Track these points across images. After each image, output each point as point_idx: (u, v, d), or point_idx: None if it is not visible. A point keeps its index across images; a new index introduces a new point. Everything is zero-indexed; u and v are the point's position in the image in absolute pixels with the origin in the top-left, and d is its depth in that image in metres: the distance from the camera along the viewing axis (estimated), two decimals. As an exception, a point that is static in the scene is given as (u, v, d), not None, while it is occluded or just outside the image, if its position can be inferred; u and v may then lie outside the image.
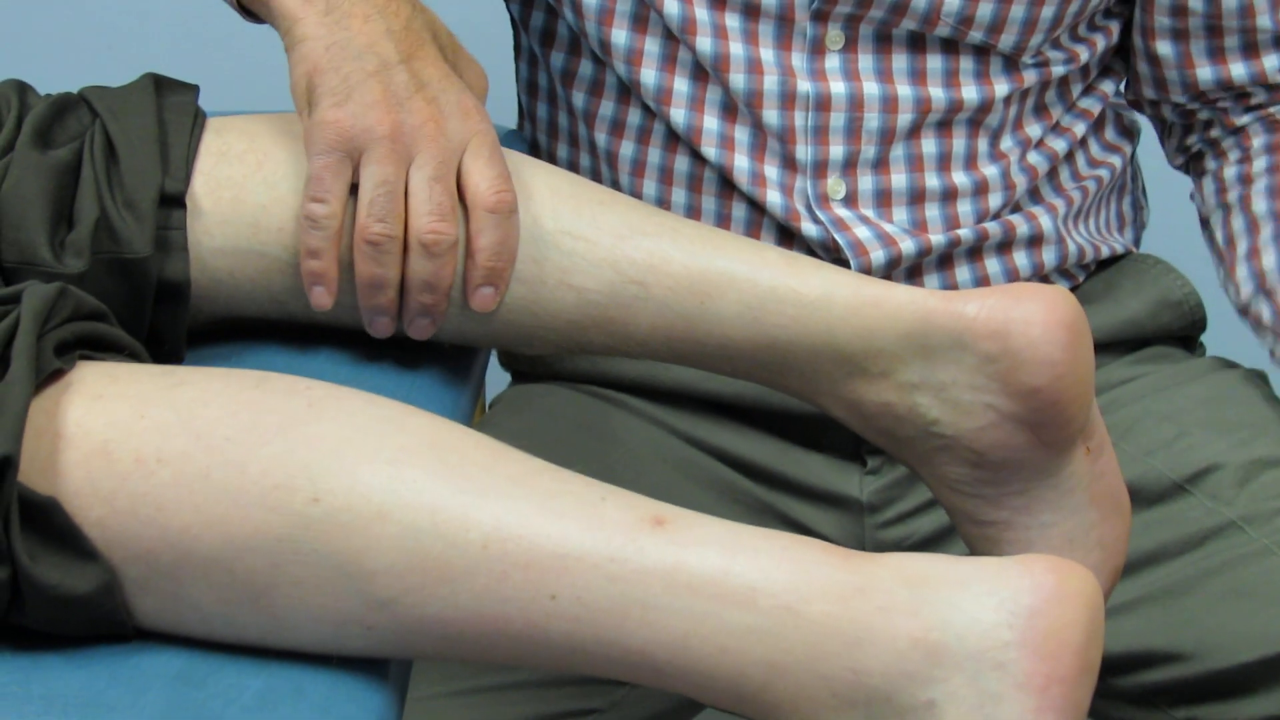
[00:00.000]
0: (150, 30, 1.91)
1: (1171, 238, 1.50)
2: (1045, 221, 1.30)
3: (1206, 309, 1.36)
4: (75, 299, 0.91)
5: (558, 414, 1.33)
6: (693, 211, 1.28)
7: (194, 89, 1.07)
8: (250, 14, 1.08)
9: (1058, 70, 1.29)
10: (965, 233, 1.27)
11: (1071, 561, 0.86)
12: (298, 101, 1.02)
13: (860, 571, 0.86)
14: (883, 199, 1.27)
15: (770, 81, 1.24)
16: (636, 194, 1.29)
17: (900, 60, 1.25)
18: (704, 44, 1.24)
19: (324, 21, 1.01)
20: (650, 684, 0.87)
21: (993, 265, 1.29)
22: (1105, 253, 1.34)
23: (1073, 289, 1.33)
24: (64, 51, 1.92)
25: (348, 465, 0.85)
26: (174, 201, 1.01)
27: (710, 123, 1.26)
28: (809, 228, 1.26)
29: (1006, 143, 1.29)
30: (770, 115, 1.25)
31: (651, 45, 1.26)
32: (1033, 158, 1.30)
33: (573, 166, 1.33)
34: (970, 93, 1.26)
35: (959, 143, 1.27)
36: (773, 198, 1.26)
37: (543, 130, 1.35)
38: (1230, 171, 1.33)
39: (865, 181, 1.26)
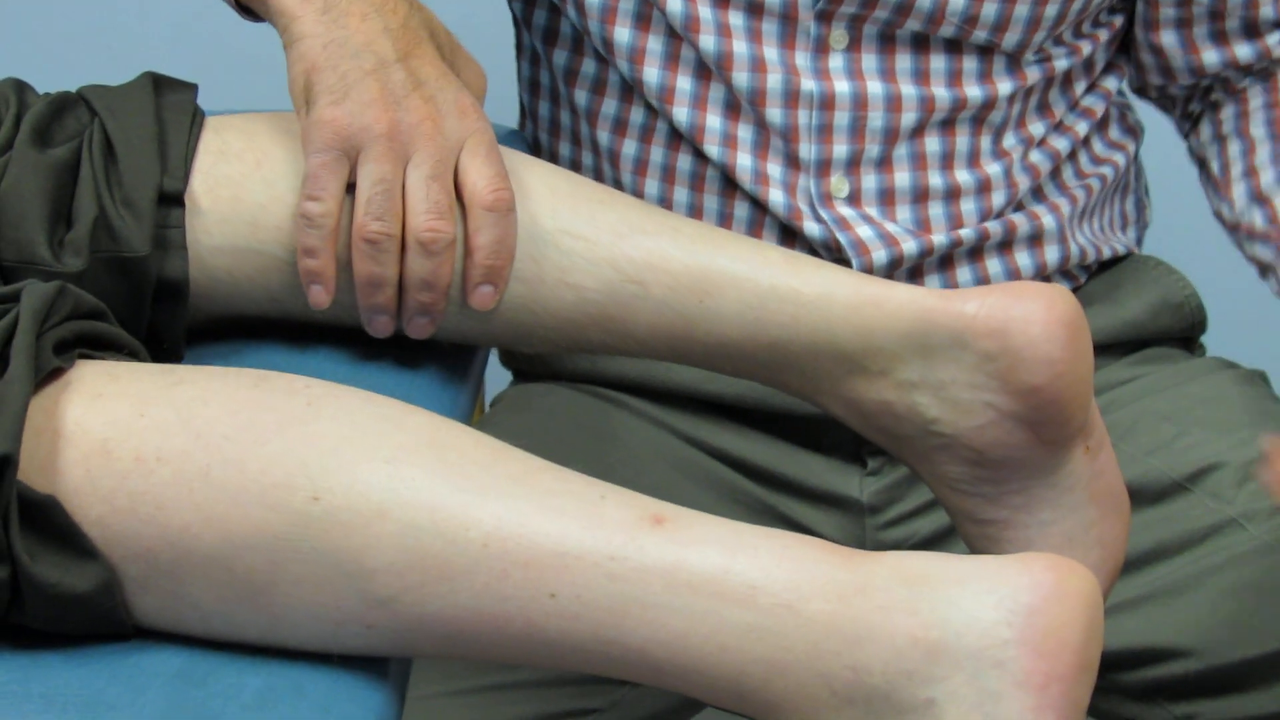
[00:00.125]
0: (149, 29, 1.91)
1: (1173, 238, 1.50)
2: (1048, 220, 1.30)
3: (1207, 310, 1.37)
4: (74, 298, 0.91)
5: (558, 413, 1.33)
6: (695, 210, 1.28)
7: (192, 88, 1.07)
8: (248, 12, 1.08)
9: (1061, 65, 1.29)
10: (967, 233, 1.27)
11: (1070, 560, 0.86)
12: (295, 100, 1.02)
13: (860, 570, 0.86)
14: (886, 197, 1.27)
15: (774, 80, 1.24)
16: (639, 193, 1.29)
17: (904, 60, 1.25)
18: (707, 42, 1.24)
19: (321, 19, 1.01)
20: (650, 682, 0.87)
21: (994, 265, 1.29)
22: (1107, 253, 1.34)
23: (1074, 290, 1.33)
24: (63, 50, 1.92)
25: (347, 464, 0.85)
26: (173, 200, 1.01)
27: (713, 121, 1.26)
28: (811, 227, 1.26)
29: (1009, 140, 1.29)
30: (774, 114, 1.25)
31: (654, 43, 1.26)
32: (1035, 156, 1.30)
33: (574, 165, 1.33)
34: (974, 91, 1.26)
35: (962, 140, 1.27)
36: (775, 197, 1.26)
37: (544, 129, 1.35)
38: (1227, 111, 1.34)
39: (869, 180, 1.26)
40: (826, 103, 1.24)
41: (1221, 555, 1.23)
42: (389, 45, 1.02)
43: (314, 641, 0.86)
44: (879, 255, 1.25)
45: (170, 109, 1.05)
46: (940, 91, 1.25)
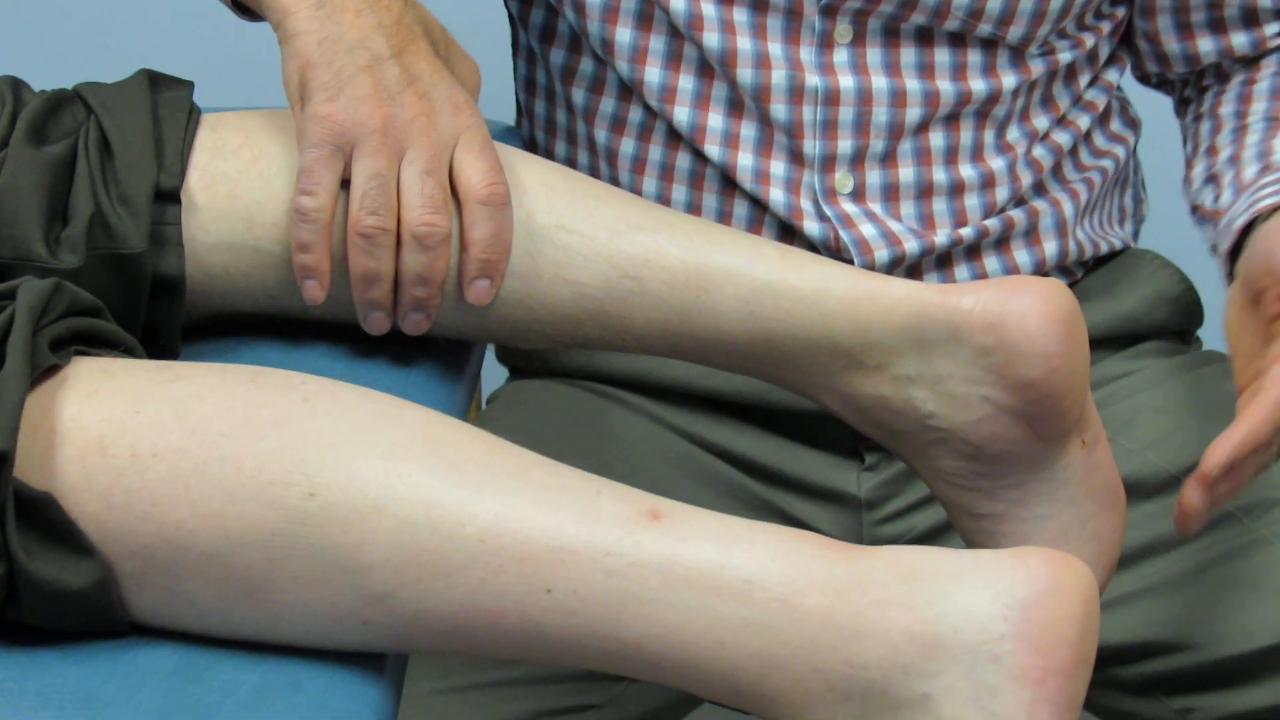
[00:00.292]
0: (145, 26, 1.91)
1: (1169, 232, 1.50)
2: (1048, 217, 1.30)
3: (1203, 303, 1.37)
4: (70, 294, 0.91)
5: (555, 409, 1.33)
6: (693, 209, 1.28)
7: (189, 85, 1.07)
8: (244, 10, 1.08)
9: (1064, 58, 1.29)
10: (968, 231, 1.27)
11: (1067, 554, 0.87)
12: (290, 95, 1.02)
13: (856, 565, 0.86)
14: (890, 193, 1.27)
15: (778, 76, 1.24)
16: (636, 191, 1.29)
17: (908, 54, 1.25)
18: (711, 39, 1.24)
19: (316, 15, 1.01)
20: (646, 677, 0.88)
21: (992, 263, 1.29)
22: (1105, 249, 1.34)
23: (1071, 285, 1.33)
24: (59, 48, 1.92)
25: (343, 460, 0.85)
26: (169, 197, 1.01)
27: (715, 120, 1.26)
28: (811, 226, 1.26)
29: (1013, 134, 1.29)
30: (778, 110, 1.25)
31: (656, 43, 1.26)
32: (1038, 151, 1.30)
33: (571, 164, 1.33)
34: (978, 85, 1.26)
35: (966, 135, 1.27)
36: (776, 196, 1.26)
37: (540, 127, 1.35)
38: (1210, 94, 1.34)
39: (873, 176, 1.26)
40: (831, 98, 1.24)
41: (1221, 548, 1.23)
42: (383, 41, 1.02)
43: (310, 638, 0.86)
44: (881, 254, 1.25)
45: (166, 106, 1.05)
46: (945, 85, 1.25)
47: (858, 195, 1.26)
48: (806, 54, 1.24)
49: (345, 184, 1.01)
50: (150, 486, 0.85)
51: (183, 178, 1.02)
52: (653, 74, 1.26)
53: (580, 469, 0.89)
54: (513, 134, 1.39)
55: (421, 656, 1.18)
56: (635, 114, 1.28)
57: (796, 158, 1.26)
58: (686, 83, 1.26)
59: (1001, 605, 0.84)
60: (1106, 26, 1.31)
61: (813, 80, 1.24)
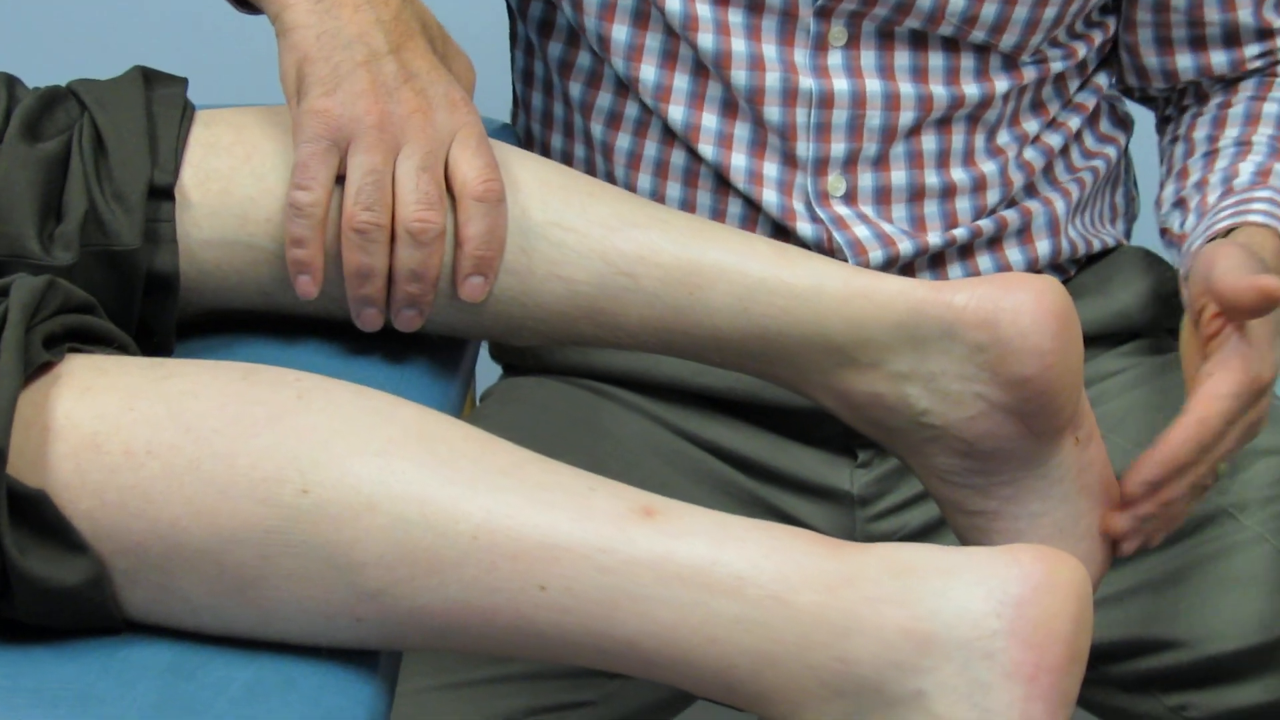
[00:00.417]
0: (139, 23, 1.91)
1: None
2: (1040, 216, 1.30)
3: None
4: (64, 291, 0.91)
5: (549, 406, 1.33)
6: (688, 206, 1.28)
7: (183, 82, 1.07)
8: (243, 3, 1.08)
9: (1056, 67, 1.29)
10: (961, 231, 1.27)
11: (1060, 551, 0.87)
12: (287, 90, 1.01)
13: (849, 561, 0.86)
14: (882, 196, 1.27)
15: (772, 78, 1.24)
16: (631, 187, 1.29)
17: (902, 57, 1.25)
18: (706, 40, 1.24)
19: (314, 10, 1.01)
20: (640, 674, 0.88)
21: (985, 262, 1.29)
22: (1097, 246, 1.35)
23: (1064, 282, 1.33)
24: (53, 45, 1.92)
25: (337, 457, 0.85)
26: (163, 194, 1.01)
27: (709, 120, 1.26)
28: (804, 227, 1.26)
29: (1004, 138, 1.29)
30: (772, 112, 1.25)
31: (652, 41, 1.26)
32: (1029, 153, 1.30)
33: (567, 157, 1.33)
34: (971, 89, 1.26)
35: (957, 138, 1.27)
36: (769, 197, 1.26)
37: (537, 119, 1.35)
38: (1188, 115, 1.35)
39: (865, 178, 1.26)
40: (825, 101, 1.24)
41: (1213, 546, 1.24)
42: (381, 37, 1.02)
43: (304, 635, 0.86)
44: (875, 255, 1.25)
45: (160, 103, 1.05)
46: (938, 90, 1.25)
47: (850, 198, 1.26)
48: (801, 56, 1.24)
49: (340, 180, 1.01)
50: (144, 484, 0.85)
51: (177, 174, 1.02)
52: (648, 72, 1.26)
53: (574, 466, 0.89)
54: (508, 131, 1.38)
55: (415, 653, 1.18)
56: (631, 109, 1.28)
57: (789, 160, 1.26)
58: (682, 82, 1.26)
59: (995, 602, 0.84)
60: (1098, 36, 1.31)
61: (807, 83, 1.24)
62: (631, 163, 1.29)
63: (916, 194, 1.27)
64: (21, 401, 0.85)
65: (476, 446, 0.88)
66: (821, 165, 1.26)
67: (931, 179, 1.27)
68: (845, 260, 1.24)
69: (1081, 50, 1.30)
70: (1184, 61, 1.32)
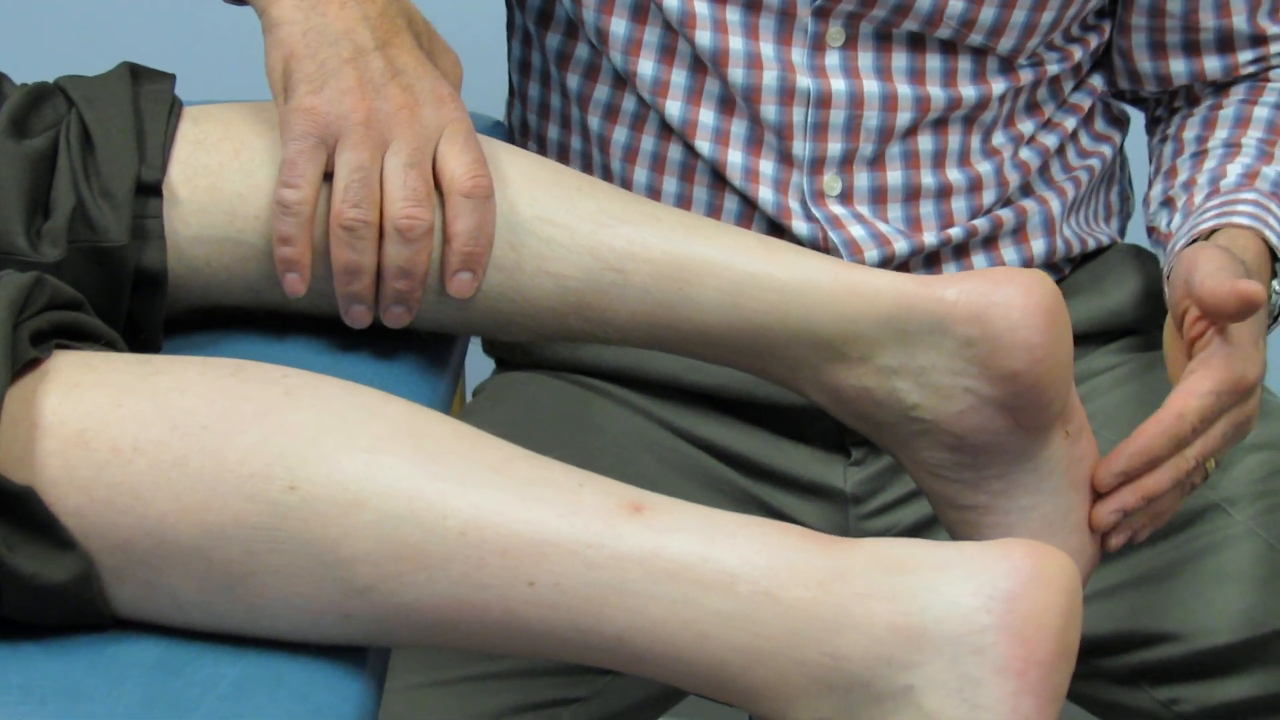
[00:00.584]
0: (127, 19, 1.91)
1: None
2: (1036, 216, 1.30)
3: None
4: (51, 288, 0.91)
5: (541, 402, 1.33)
6: (684, 201, 1.28)
7: (170, 78, 1.07)
8: (230, -3, 1.08)
9: (1052, 69, 1.29)
10: (955, 231, 1.27)
11: (1049, 546, 0.87)
12: (273, 87, 1.01)
13: (838, 557, 0.86)
14: (878, 196, 1.27)
15: (769, 77, 1.24)
16: (627, 180, 1.29)
17: (900, 59, 1.25)
18: (703, 38, 1.24)
19: (300, 6, 1.01)
20: (630, 671, 0.87)
21: (979, 261, 1.29)
22: (1092, 245, 1.35)
23: (1058, 281, 1.33)
24: (40, 41, 1.92)
25: (325, 453, 0.85)
26: (151, 190, 1.01)
27: (706, 116, 1.26)
28: (800, 226, 1.26)
29: (999, 138, 1.29)
30: (768, 110, 1.24)
31: (650, 36, 1.25)
32: (1025, 153, 1.30)
33: (563, 148, 1.33)
34: (968, 91, 1.26)
35: (954, 139, 1.27)
36: (765, 194, 1.26)
37: (533, 110, 1.35)
38: (1177, 116, 1.35)
39: (861, 178, 1.26)
40: (823, 101, 1.24)
41: (1205, 540, 1.24)
42: (367, 33, 1.02)
43: (292, 631, 0.86)
44: (871, 255, 1.25)
45: (148, 99, 1.04)
46: (935, 91, 1.25)
47: (845, 197, 1.26)
48: (798, 56, 1.24)
49: (328, 177, 1.01)
50: (131, 480, 0.85)
51: (164, 171, 1.02)
52: (646, 67, 1.26)
53: (565, 462, 0.89)
54: (499, 128, 1.38)
55: (406, 650, 1.18)
56: (629, 103, 1.28)
57: (785, 158, 1.26)
58: (679, 77, 1.26)
59: (984, 597, 0.84)
60: (1093, 39, 1.31)
61: (804, 82, 1.24)
62: (628, 156, 1.29)
63: (912, 194, 1.27)
64: (9, 398, 0.84)
65: (465, 443, 0.88)
66: (818, 164, 1.26)
67: (927, 179, 1.27)
68: (840, 258, 1.24)
69: (1077, 53, 1.30)
70: (1177, 66, 1.32)
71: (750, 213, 1.27)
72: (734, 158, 1.26)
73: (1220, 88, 1.33)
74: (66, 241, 0.98)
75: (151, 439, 0.85)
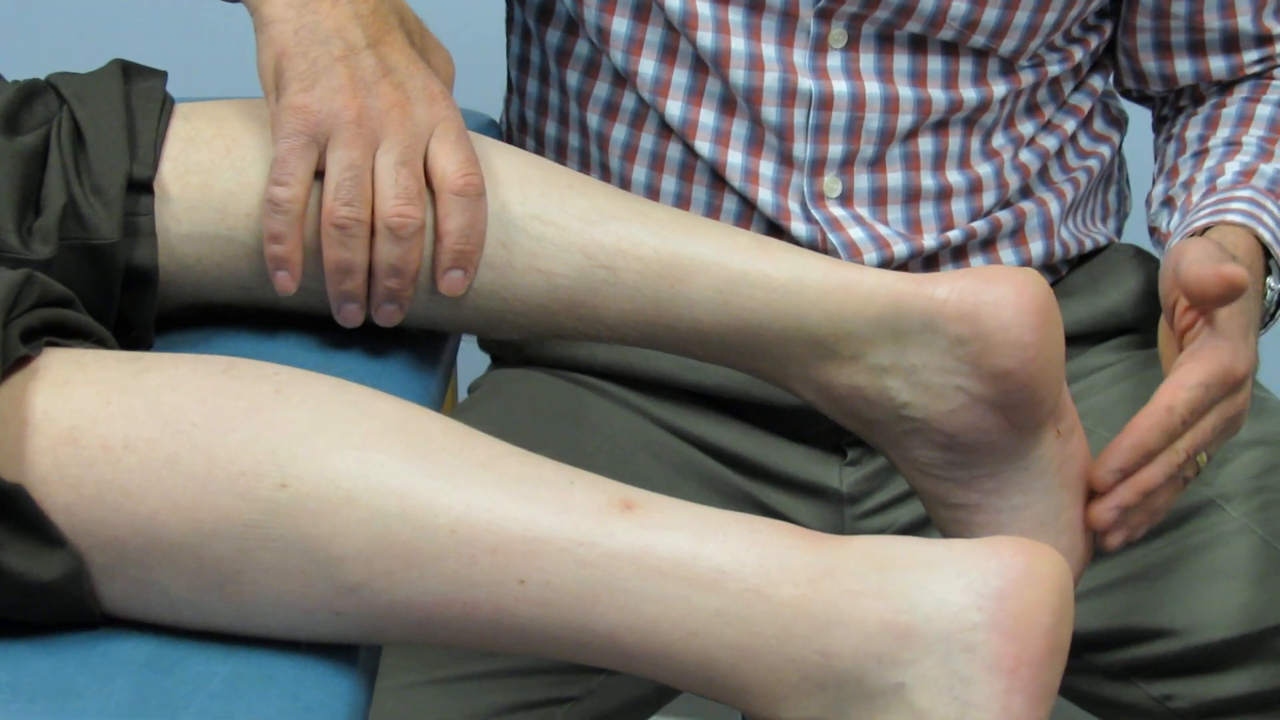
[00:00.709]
0: (119, 17, 1.91)
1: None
2: (1034, 218, 1.30)
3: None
4: (42, 285, 0.91)
5: (536, 400, 1.33)
6: (682, 200, 1.28)
7: (162, 75, 1.07)
8: (222, -6, 1.08)
9: (1053, 71, 1.29)
10: (954, 234, 1.27)
11: (1041, 544, 0.87)
12: (265, 85, 1.01)
13: (829, 554, 0.86)
14: (878, 198, 1.27)
15: (771, 78, 1.24)
16: (626, 178, 1.29)
17: (901, 61, 1.25)
18: (705, 38, 1.24)
19: (292, 4, 1.01)
20: (620, 668, 0.87)
21: (977, 263, 1.30)
22: (1089, 246, 1.35)
23: (1056, 282, 1.33)
24: (32, 38, 1.91)
25: (316, 450, 0.85)
26: (142, 187, 1.01)
27: (706, 117, 1.26)
28: (799, 227, 1.26)
29: (999, 140, 1.29)
30: (769, 111, 1.24)
31: (652, 35, 1.25)
32: (1025, 155, 1.30)
33: (562, 145, 1.33)
34: (969, 94, 1.26)
35: (954, 141, 1.27)
36: (764, 195, 1.26)
37: (531, 106, 1.35)
38: (1182, 115, 1.35)
39: (861, 180, 1.26)
40: (824, 103, 1.24)
41: (1199, 537, 1.24)
42: (359, 31, 1.02)
43: (283, 629, 0.86)
44: (870, 257, 1.25)
45: (139, 96, 1.04)
46: (936, 93, 1.25)
47: (846, 199, 1.26)
48: (800, 57, 1.24)
49: (320, 175, 1.01)
50: (122, 478, 0.85)
51: (156, 168, 1.02)
52: (647, 66, 1.26)
53: (559, 460, 0.89)
54: (492, 127, 1.38)
55: (400, 649, 1.18)
56: (629, 101, 1.28)
57: (786, 159, 1.26)
58: (680, 77, 1.26)
59: (975, 594, 0.84)
60: (1094, 40, 1.31)
61: (805, 84, 1.24)
62: (627, 154, 1.29)
63: (912, 196, 1.27)
64: (-1, 396, 0.84)
65: (456, 440, 0.88)
66: (818, 166, 1.25)
67: (927, 181, 1.27)
68: (838, 260, 1.24)
69: (1078, 54, 1.30)
70: (1183, 66, 1.32)
71: (749, 214, 1.27)
72: (734, 158, 1.26)
73: (1225, 87, 1.33)
74: (57, 239, 0.98)
75: (142, 436, 0.85)
